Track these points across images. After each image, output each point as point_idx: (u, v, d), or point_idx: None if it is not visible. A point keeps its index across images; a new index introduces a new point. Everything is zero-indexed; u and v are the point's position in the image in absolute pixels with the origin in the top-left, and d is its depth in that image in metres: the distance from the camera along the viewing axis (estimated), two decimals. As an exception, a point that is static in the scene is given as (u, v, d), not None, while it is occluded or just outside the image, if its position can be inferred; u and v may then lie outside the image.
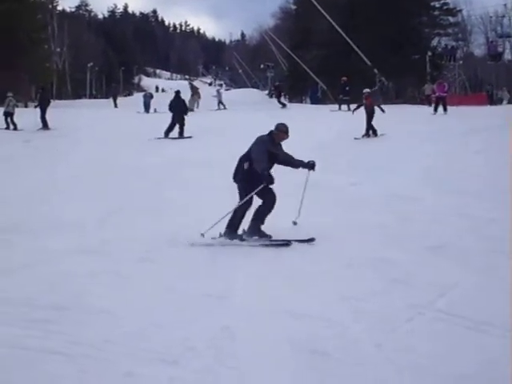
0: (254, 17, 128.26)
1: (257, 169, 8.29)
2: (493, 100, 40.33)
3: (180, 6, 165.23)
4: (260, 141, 8.49)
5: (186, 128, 21.40)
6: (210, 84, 72.89)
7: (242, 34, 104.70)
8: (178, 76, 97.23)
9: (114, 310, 5.86)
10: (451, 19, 54.28)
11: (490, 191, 10.86)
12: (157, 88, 72.10)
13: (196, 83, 63.32)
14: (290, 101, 46.23)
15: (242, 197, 8.49)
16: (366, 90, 21.00)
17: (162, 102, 29.20)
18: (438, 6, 54.07)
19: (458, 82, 45.15)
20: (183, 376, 4.60)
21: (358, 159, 15.52)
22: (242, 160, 8.58)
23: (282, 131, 8.57)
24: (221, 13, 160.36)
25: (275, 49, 52.48)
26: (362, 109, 20.31)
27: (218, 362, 4.79)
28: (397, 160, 14.89)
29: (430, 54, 42.84)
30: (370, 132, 19.75)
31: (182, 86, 63.57)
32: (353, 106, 30.40)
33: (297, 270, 7.11)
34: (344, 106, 30.73)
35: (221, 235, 8.49)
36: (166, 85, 70.28)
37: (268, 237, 8.45)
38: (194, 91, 35.51)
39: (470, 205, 10.05)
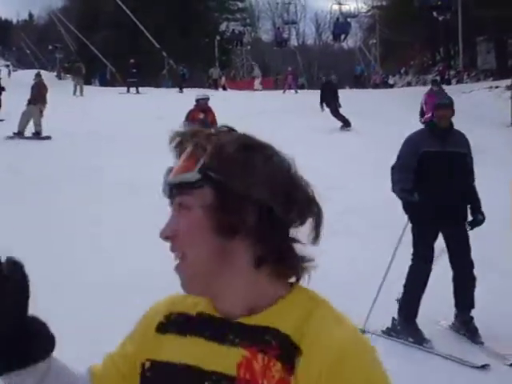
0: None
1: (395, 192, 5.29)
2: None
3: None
4: (409, 139, 5.42)
5: None
6: (-4, 65, 68.83)
7: (30, 14, 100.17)
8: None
9: None
10: (239, 4, 55.57)
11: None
12: None
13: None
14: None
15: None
16: None
17: None
18: (226, -10, 55.15)
19: (246, 66, 46.23)
20: None
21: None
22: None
23: (442, 107, 5.37)
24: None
25: (64, 30, 50.51)
26: None
27: None
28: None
29: (218, 38, 43.44)
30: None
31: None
32: (141, 88, 30.59)
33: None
34: (132, 89, 30.56)
35: (393, 327, 5.13)
36: None
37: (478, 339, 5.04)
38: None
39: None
